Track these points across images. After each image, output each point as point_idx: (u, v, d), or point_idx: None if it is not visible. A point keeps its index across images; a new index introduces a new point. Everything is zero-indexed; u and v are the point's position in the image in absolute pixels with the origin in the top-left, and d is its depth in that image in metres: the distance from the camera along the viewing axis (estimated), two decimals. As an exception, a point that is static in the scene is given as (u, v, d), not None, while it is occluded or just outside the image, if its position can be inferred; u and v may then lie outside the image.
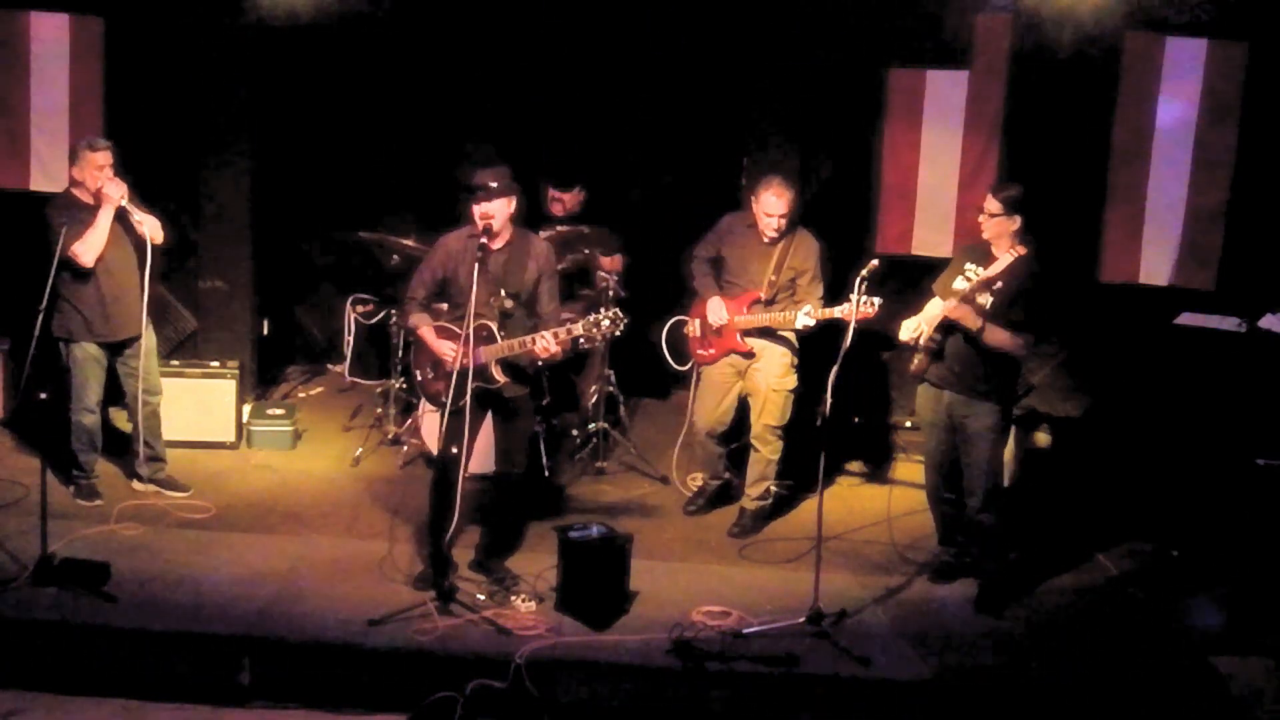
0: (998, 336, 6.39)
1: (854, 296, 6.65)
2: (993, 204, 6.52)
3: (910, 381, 8.62)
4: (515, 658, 5.88)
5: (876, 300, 6.70)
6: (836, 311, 6.90)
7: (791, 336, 7.29)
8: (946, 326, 6.55)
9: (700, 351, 7.51)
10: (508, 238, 6.44)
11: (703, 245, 7.46)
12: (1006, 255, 6.48)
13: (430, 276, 6.54)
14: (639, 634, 6.20)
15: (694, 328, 7.52)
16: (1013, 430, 7.75)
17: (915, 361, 6.62)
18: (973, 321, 6.39)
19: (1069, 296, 8.03)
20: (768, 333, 7.28)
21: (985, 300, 6.42)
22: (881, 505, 7.80)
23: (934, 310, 6.60)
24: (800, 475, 8.05)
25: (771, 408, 7.35)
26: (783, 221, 7.16)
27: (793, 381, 7.36)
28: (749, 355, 7.31)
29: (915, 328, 6.60)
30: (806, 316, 7.05)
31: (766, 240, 7.23)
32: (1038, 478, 7.94)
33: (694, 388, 7.69)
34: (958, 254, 6.82)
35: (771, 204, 7.13)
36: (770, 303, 7.25)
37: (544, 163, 8.65)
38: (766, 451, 7.43)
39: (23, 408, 7.00)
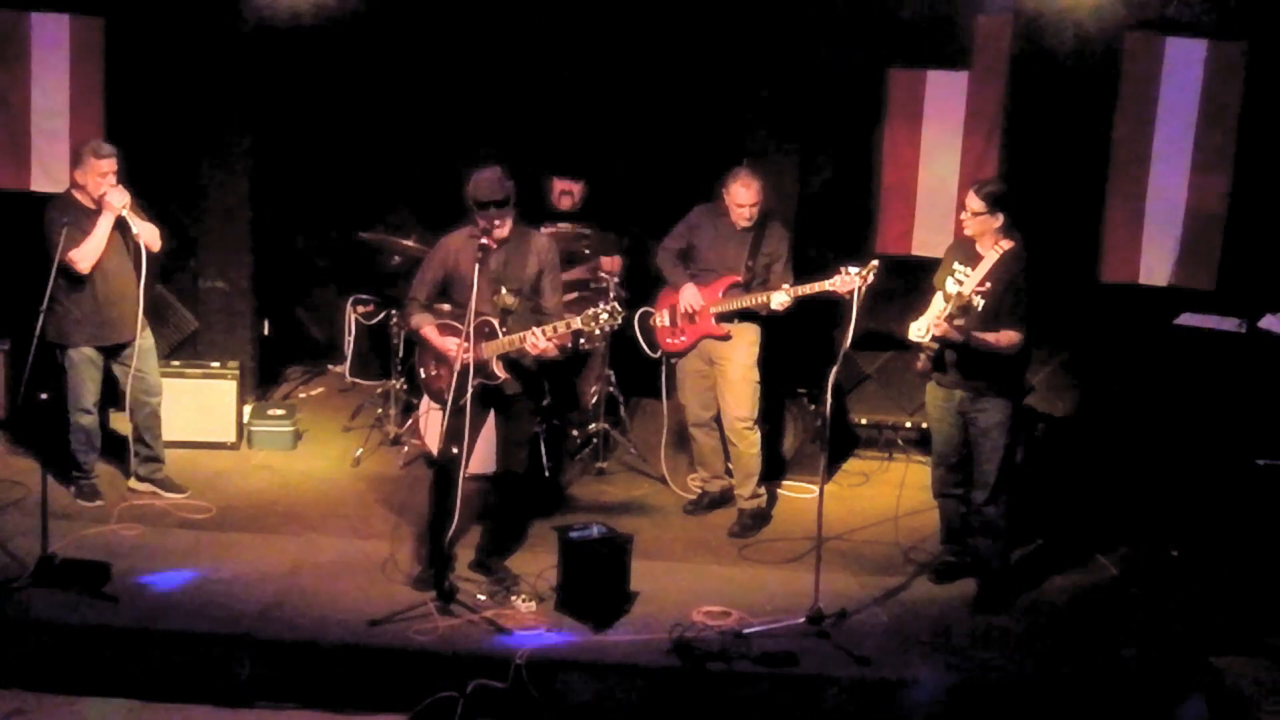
0: (986, 340, 6.39)
1: (853, 269, 6.74)
2: (975, 202, 6.50)
3: (913, 381, 8.68)
4: (515, 658, 5.88)
5: (874, 264, 6.80)
6: (827, 285, 6.99)
7: (757, 324, 7.35)
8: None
9: (670, 340, 7.58)
10: (507, 234, 6.44)
11: (672, 238, 7.55)
12: (992, 253, 6.48)
13: (432, 277, 6.54)
14: (639, 634, 6.20)
15: (662, 318, 7.58)
16: (1044, 439, 7.80)
17: (920, 361, 6.61)
18: (956, 337, 6.39)
19: (1069, 296, 8.05)
20: (738, 318, 7.36)
21: (973, 306, 6.40)
22: (881, 505, 7.82)
23: (938, 307, 6.61)
24: (800, 475, 8.11)
25: (742, 398, 7.40)
26: (754, 210, 7.28)
27: (757, 373, 7.42)
28: (724, 338, 7.35)
29: (923, 329, 6.59)
30: (784, 294, 7.15)
31: (741, 228, 7.32)
32: (1037, 477, 7.93)
33: (664, 381, 7.83)
34: (948, 251, 6.82)
35: (741, 195, 7.24)
36: (748, 286, 7.34)
37: (550, 155, 8.66)
38: (744, 446, 7.47)
39: (23, 408, 6.99)
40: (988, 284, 6.45)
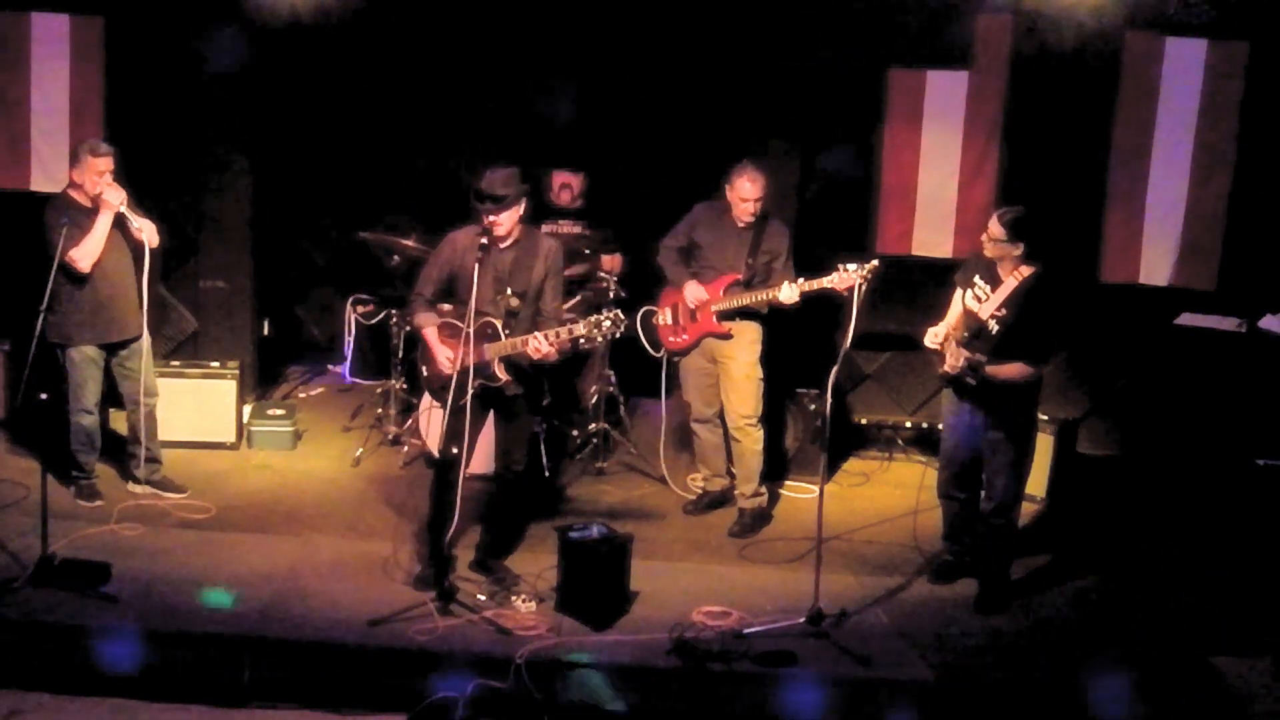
0: (1002, 373, 6.37)
1: (850, 266, 6.75)
2: (996, 229, 6.45)
3: (914, 381, 8.70)
4: (515, 658, 5.89)
5: (870, 265, 6.79)
6: (826, 282, 7.00)
7: (759, 323, 7.36)
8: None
9: (672, 339, 7.59)
10: (515, 236, 6.44)
11: (673, 235, 7.56)
12: (1011, 279, 6.46)
13: (437, 274, 6.54)
14: (639, 634, 6.21)
15: (665, 316, 7.59)
16: (1051, 441, 7.78)
17: (946, 364, 6.53)
18: (972, 379, 6.39)
19: (1069, 297, 8.05)
20: (740, 316, 7.36)
21: (987, 330, 6.40)
22: (881, 505, 7.85)
23: (957, 309, 6.60)
24: (800, 474, 8.11)
25: (745, 396, 7.41)
26: (758, 205, 7.27)
27: (760, 370, 7.42)
28: (726, 336, 7.36)
29: (940, 335, 6.57)
30: (792, 289, 7.14)
31: (742, 225, 7.32)
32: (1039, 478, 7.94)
33: (664, 379, 7.83)
34: (973, 256, 6.74)
35: (746, 189, 7.22)
36: (748, 284, 7.33)
37: (550, 149, 8.66)
38: (748, 443, 7.47)
39: (23, 408, 6.99)
40: (1004, 310, 6.43)
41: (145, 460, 7.50)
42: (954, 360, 6.37)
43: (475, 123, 9.11)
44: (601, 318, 6.22)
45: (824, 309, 7.33)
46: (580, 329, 6.24)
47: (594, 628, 6.26)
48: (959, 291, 6.67)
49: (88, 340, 7.22)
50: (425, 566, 6.64)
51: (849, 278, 6.82)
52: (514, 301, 6.40)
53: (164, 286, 8.75)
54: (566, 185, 8.57)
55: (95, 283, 7.13)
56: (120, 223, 7.13)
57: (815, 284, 7.10)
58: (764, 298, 7.26)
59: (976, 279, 6.57)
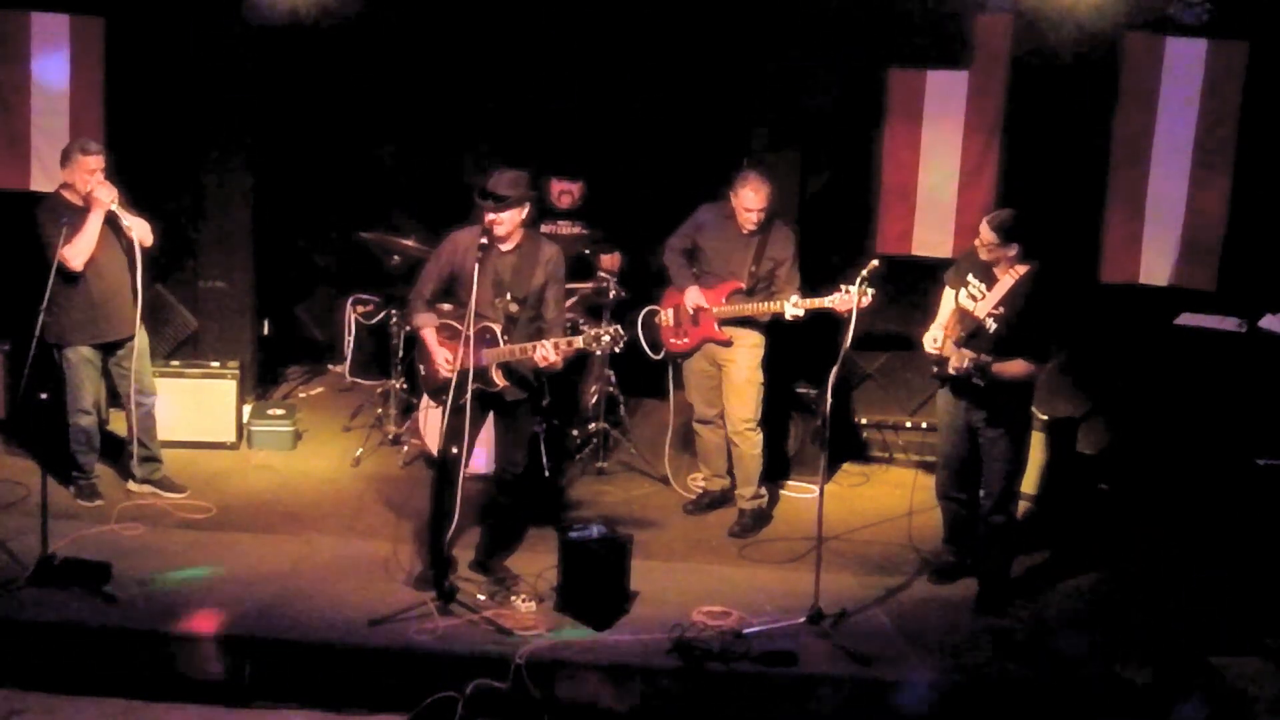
0: (1008, 371, 6.37)
1: (851, 288, 6.72)
2: (987, 233, 6.45)
3: (914, 381, 8.69)
4: (515, 658, 5.89)
5: (870, 291, 6.76)
6: (826, 302, 6.99)
7: (761, 330, 7.37)
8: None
9: (674, 341, 7.60)
10: (518, 241, 6.44)
11: (678, 237, 7.54)
12: (1006, 278, 6.46)
13: (438, 273, 6.53)
14: (639, 634, 6.21)
15: (667, 317, 7.59)
16: (1044, 439, 7.78)
17: (950, 365, 6.49)
18: (979, 380, 6.38)
19: (1069, 297, 8.05)
20: (741, 322, 7.36)
21: (985, 329, 6.39)
22: (882, 505, 7.84)
23: (949, 307, 6.59)
24: (800, 474, 8.11)
25: (746, 400, 7.41)
26: (761, 215, 7.25)
27: (761, 375, 7.42)
28: (726, 344, 7.36)
29: (938, 339, 6.56)
30: (795, 307, 7.14)
31: (746, 232, 7.29)
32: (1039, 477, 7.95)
33: (670, 378, 7.87)
34: (964, 258, 6.76)
35: (750, 199, 7.21)
36: (750, 292, 7.31)
37: (549, 156, 8.67)
38: (746, 447, 7.48)
39: (22, 408, 6.99)
40: (1001, 309, 6.43)
41: (145, 460, 7.49)
42: (959, 362, 6.37)
43: (475, 123, 9.10)
44: (601, 332, 6.24)
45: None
46: (579, 342, 6.25)
47: (594, 628, 6.27)
48: (949, 291, 6.67)
49: (83, 340, 7.21)
50: (425, 566, 6.64)
51: (848, 300, 6.79)
52: (513, 307, 6.39)
53: (164, 286, 8.75)
54: (566, 191, 8.56)
55: (89, 282, 7.13)
56: (113, 221, 7.12)
57: (815, 303, 7.08)
58: (765, 308, 7.25)
59: (971, 278, 6.57)
